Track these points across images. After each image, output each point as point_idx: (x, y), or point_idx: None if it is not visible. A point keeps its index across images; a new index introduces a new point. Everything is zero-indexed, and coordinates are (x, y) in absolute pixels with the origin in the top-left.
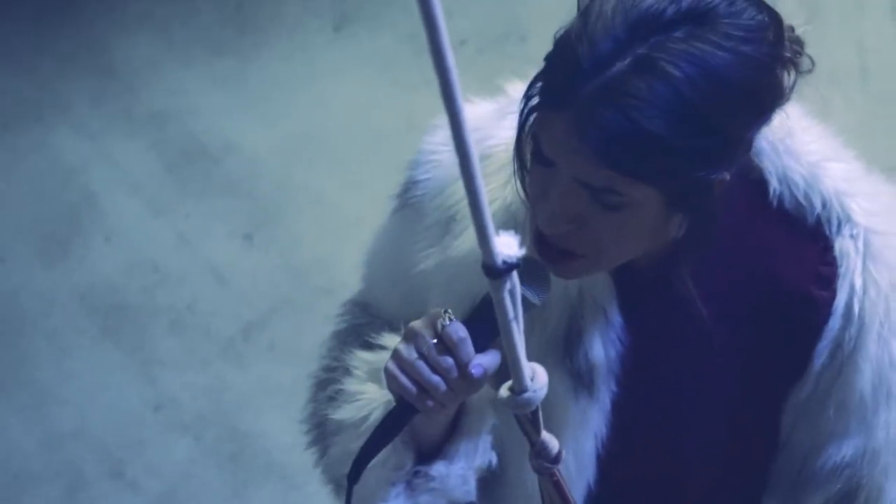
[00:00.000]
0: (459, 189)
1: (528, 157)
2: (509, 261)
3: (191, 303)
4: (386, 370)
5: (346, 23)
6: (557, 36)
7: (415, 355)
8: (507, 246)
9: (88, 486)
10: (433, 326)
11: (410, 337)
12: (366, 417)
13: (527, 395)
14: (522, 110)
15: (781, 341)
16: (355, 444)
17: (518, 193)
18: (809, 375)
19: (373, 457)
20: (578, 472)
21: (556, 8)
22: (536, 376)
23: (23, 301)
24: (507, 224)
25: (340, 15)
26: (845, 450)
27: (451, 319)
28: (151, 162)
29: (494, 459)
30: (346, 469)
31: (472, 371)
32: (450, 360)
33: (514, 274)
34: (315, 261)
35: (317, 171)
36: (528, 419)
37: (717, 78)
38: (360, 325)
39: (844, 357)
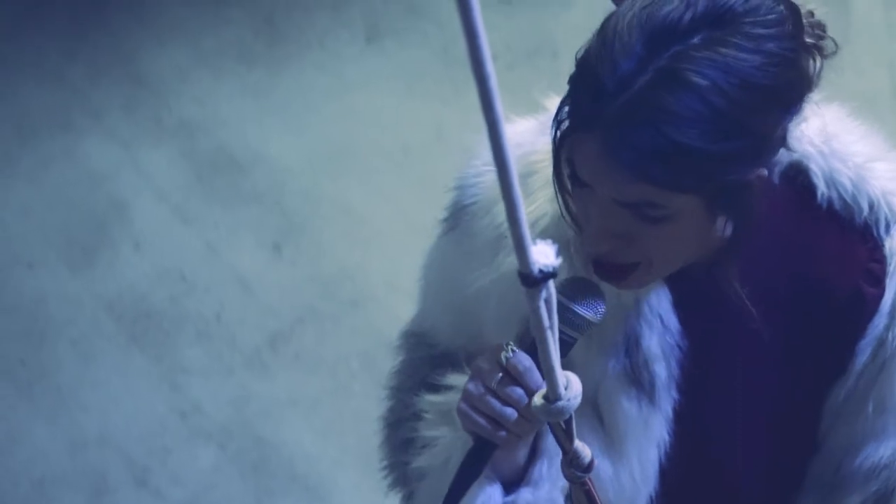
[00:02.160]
0: None
1: (567, 180)
2: (545, 269)
3: (218, 311)
4: (459, 411)
5: (378, 35)
6: (578, 57)
7: (483, 391)
8: (544, 255)
9: (112, 493)
10: (498, 360)
11: (477, 374)
12: (447, 461)
13: (561, 403)
14: (554, 135)
15: (826, 340)
16: (441, 486)
17: (564, 217)
18: (850, 373)
19: (461, 497)
20: (643, 482)
21: (587, 23)
22: (570, 385)
23: (50, 307)
24: (557, 238)
25: (372, 27)
26: (883, 450)
27: (514, 351)
28: (180, 170)
29: None
30: None
31: None
32: (518, 391)
33: (550, 283)
34: (342, 272)
35: (345, 182)
36: (561, 428)
37: (743, 80)
38: (418, 359)
39: (887, 356)
